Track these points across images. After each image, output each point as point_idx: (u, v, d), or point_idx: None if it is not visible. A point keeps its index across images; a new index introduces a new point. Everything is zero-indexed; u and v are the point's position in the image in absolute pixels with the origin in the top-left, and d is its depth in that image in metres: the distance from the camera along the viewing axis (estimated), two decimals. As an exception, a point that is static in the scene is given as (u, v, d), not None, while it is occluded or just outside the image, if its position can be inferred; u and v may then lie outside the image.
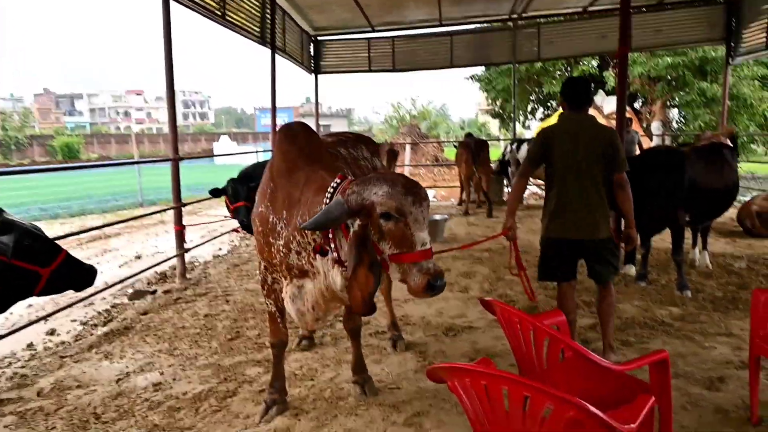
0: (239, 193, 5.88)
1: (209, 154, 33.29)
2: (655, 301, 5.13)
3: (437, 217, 8.17)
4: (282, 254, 2.97)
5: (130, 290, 6.40)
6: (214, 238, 8.69)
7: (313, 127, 12.22)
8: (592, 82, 3.80)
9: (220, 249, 8.87)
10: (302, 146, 3.08)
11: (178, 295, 6.03)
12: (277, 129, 3.20)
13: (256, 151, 15.82)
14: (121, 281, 6.22)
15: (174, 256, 6.79)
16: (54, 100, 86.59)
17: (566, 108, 3.78)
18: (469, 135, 12.26)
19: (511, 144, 12.24)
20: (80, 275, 3.11)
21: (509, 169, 11.88)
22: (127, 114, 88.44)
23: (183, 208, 6.93)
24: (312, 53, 13.42)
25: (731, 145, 6.51)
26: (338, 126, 61.67)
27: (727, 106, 13.11)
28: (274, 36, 9.85)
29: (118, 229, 11.00)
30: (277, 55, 10.76)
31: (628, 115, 10.32)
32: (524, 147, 11.00)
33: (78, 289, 3.19)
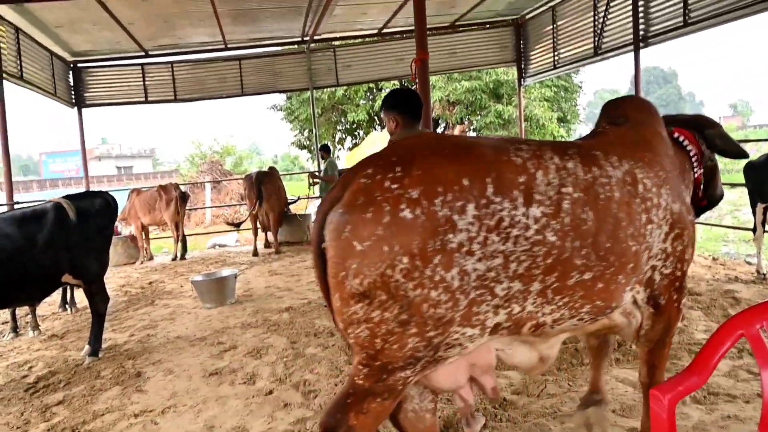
0: None
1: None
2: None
3: (225, 272, 6.55)
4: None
5: None
6: None
7: (83, 172, 10.05)
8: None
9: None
10: None
11: None
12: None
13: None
14: None
15: None
16: None
17: (402, 124, 2.99)
18: (271, 168, 10.92)
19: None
20: None
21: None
22: None
23: None
24: (72, 83, 11.22)
25: None
26: (142, 167, 56.66)
27: (523, 126, 13.38)
28: (-1, 58, 7.70)
29: None
30: (15, 85, 8.61)
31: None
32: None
33: None
